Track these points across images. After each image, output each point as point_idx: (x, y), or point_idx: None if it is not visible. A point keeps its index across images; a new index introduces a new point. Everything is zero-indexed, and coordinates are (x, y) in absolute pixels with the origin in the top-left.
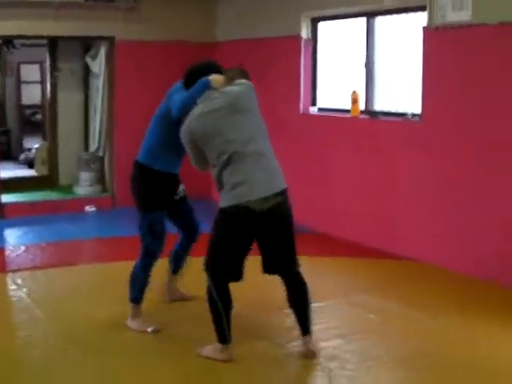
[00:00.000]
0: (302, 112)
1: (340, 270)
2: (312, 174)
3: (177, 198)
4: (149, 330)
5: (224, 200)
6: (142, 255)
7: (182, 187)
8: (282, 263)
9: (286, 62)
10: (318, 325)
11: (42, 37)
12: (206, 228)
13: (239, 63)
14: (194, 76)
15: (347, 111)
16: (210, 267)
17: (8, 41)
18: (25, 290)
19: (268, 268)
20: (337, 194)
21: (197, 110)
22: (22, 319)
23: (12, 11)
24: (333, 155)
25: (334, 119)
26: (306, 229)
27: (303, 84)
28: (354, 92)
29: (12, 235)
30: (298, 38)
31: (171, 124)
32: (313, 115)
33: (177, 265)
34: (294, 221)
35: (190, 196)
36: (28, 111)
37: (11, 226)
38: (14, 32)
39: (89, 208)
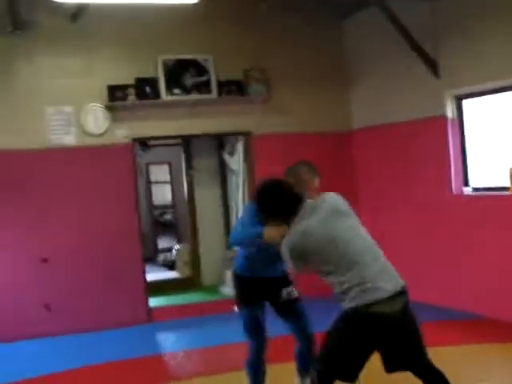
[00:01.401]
0: (454, 193)
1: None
2: (469, 256)
3: (281, 301)
4: None
5: (348, 301)
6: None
7: (287, 290)
8: (410, 360)
9: (431, 143)
10: None
11: (177, 137)
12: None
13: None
14: (265, 202)
15: (504, 189)
16: (322, 365)
17: (143, 143)
18: None
19: (392, 367)
20: (497, 276)
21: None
22: None
23: (147, 113)
24: (491, 235)
25: (490, 198)
26: (463, 314)
27: (453, 164)
28: None
29: (166, 340)
30: (442, 117)
31: None
32: (467, 195)
33: (301, 364)
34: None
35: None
36: (156, 212)
37: (161, 330)
38: (150, 133)
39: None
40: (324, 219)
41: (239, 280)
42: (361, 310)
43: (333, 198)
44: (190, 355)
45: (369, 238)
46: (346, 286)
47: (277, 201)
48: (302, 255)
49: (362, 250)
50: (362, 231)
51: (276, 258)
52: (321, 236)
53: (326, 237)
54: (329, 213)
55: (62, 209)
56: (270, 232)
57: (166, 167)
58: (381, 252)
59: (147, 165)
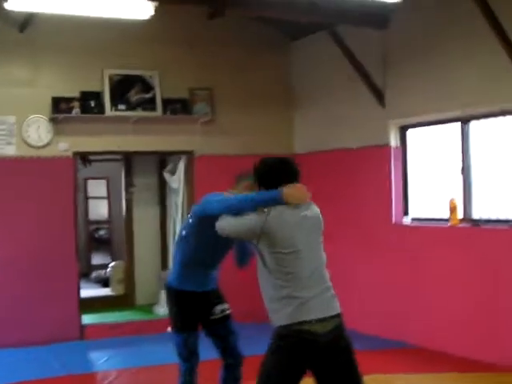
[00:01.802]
0: (394, 222)
1: None
2: (406, 286)
3: (213, 318)
4: None
5: (278, 318)
6: None
7: (220, 307)
8: None
9: (373, 171)
10: None
11: (119, 153)
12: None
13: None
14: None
15: (444, 220)
16: None
17: (84, 157)
18: None
19: None
20: (435, 305)
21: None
22: None
23: (90, 127)
24: (430, 265)
25: (429, 229)
26: (401, 343)
27: (394, 193)
28: (452, 200)
29: (98, 359)
30: (386, 146)
31: (199, 239)
32: (406, 225)
33: None
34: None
35: (238, 318)
36: (91, 227)
37: (94, 348)
38: (92, 148)
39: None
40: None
41: (174, 295)
42: (293, 327)
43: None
44: (121, 375)
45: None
46: (284, 293)
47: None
48: (271, 235)
49: (313, 270)
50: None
51: (216, 261)
52: (294, 234)
53: (295, 239)
54: (315, 221)
55: None
56: (294, 192)
57: (103, 182)
58: (328, 276)
59: (85, 179)
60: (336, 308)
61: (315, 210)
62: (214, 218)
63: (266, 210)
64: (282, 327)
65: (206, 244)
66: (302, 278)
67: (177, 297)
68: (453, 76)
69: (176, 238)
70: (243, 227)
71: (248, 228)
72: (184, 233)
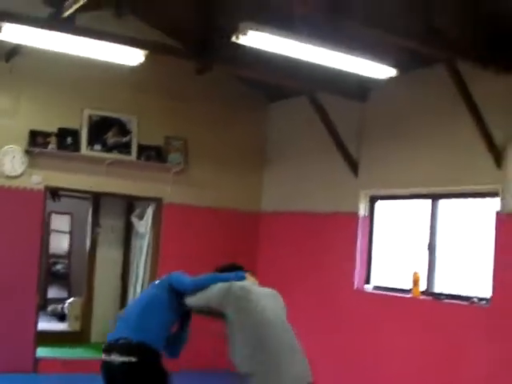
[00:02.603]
0: (356, 288)
1: None
2: (366, 354)
3: None
4: None
5: None
6: None
7: None
8: None
9: (340, 237)
10: None
11: (90, 192)
12: None
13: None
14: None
15: (405, 291)
16: None
17: (54, 192)
18: None
19: None
20: (393, 376)
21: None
22: None
23: (64, 163)
24: (389, 333)
25: (390, 298)
26: None
27: (359, 261)
28: (416, 273)
29: None
30: (354, 214)
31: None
32: (367, 292)
33: None
34: None
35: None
36: (50, 260)
37: (45, 382)
38: (64, 184)
39: None
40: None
41: (157, 357)
42: None
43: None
44: None
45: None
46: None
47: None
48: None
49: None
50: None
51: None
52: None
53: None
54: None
55: None
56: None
57: (67, 217)
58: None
59: (50, 213)
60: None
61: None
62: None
63: None
64: None
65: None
66: None
67: (159, 360)
68: (426, 153)
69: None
70: None
71: None
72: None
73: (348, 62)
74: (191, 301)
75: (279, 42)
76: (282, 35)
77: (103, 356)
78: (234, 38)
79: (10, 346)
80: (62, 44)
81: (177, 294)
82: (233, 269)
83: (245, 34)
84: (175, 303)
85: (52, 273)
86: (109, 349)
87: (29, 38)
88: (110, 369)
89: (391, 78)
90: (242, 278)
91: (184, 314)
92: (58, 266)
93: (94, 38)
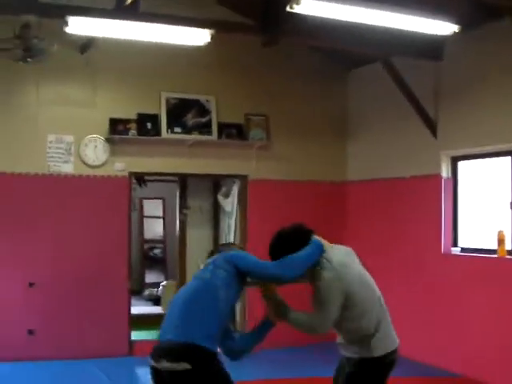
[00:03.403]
0: (443, 252)
1: None
2: (453, 316)
3: None
4: None
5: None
6: None
7: None
8: None
9: (424, 201)
10: None
11: (174, 174)
12: None
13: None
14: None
15: (492, 251)
16: None
17: (140, 178)
18: None
19: None
20: (481, 337)
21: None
22: None
23: (146, 148)
24: (477, 296)
25: (477, 260)
26: (450, 373)
27: (444, 224)
28: (501, 232)
29: (144, 375)
30: (437, 177)
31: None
32: (455, 255)
33: None
34: None
35: None
36: (146, 246)
37: (141, 364)
38: (147, 169)
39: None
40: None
41: (218, 363)
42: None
43: None
44: None
45: None
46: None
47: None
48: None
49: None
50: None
51: None
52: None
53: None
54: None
55: (53, 235)
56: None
57: (159, 202)
58: None
59: (141, 199)
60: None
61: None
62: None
63: None
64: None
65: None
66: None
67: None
68: (506, 108)
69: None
70: None
71: None
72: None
73: (409, 20)
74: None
75: (333, 7)
76: (335, 0)
77: (152, 362)
78: (288, 8)
79: (106, 331)
80: (130, 32)
81: (238, 281)
82: (301, 233)
83: (298, 3)
84: (233, 290)
85: (150, 258)
86: (157, 354)
87: (96, 28)
88: (161, 376)
89: (463, 34)
90: (322, 248)
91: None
92: (156, 251)
93: (159, 23)
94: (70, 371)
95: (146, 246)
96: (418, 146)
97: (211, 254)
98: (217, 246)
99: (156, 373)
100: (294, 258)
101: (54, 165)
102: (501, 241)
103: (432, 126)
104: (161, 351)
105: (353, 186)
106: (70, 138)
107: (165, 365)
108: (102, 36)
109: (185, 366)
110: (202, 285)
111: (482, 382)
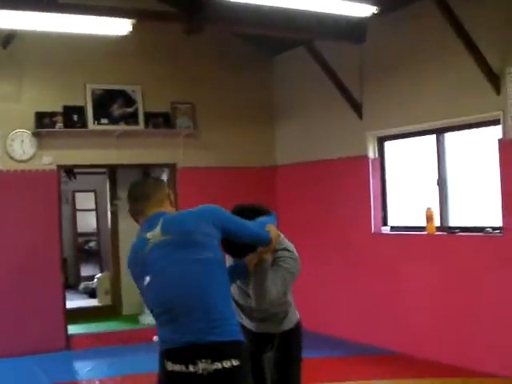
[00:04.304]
0: (373, 232)
1: None
2: (385, 294)
3: None
4: None
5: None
6: None
7: None
8: None
9: (353, 182)
10: None
11: (102, 166)
12: None
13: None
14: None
15: (421, 228)
16: None
17: (69, 170)
18: None
19: None
20: (413, 313)
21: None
22: None
23: (73, 141)
24: (408, 273)
25: (408, 237)
26: (382, 350)
27: (373, 204)
28: (429, 209)
29: (82, 368)
30: (364, 157)
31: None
32: (385, 234)
33: None
34: None
35: None
36: (81, 239)
37: (79, 358)
38: (76, 161)
39: (157, 337)
40: None
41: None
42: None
43: None
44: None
45: None
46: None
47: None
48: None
49: None
50: None
51: None
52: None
53: None
54: None
55: None
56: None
57: (91, 195)
58: None
59: (73, 192)
60: None
61: None
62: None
63: None
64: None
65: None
66: None
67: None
68: (427, 88)
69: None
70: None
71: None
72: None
73: (329, 3)
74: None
75: None
76: None
77: (171, 366)
78: None
79: (42, 327)
80: (50, 24)
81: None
82: (259, 212)
83: None
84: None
85: (85, 251)
86: (194, 355)
87: (16, 21)
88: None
89: (384, 16)
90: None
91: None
92: (91, 244)
93: (79, 13)
94: (6, 369)
95: (80, 240)
96: (344, 127)
97: None
98: None
99: (178, 378)
100: (264, 220)
101: None
102: (429, 218)
103: (357, 108)
104: (200, 352)
105: (282, 170)
106: None
107: (207, 366)
108: (23, 29)
109: (233, 362)
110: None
111: (418, 358)
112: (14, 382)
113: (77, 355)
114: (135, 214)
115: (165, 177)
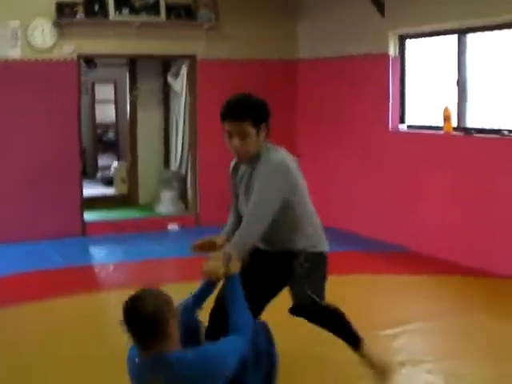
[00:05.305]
0: (390, 129)
1: (437, 289)
2: (401, 192)
3: None
4: None
5: (322, 244)
6: None
7: None
8: None
9: (372, 79)
10: None
11: (123, 56)
12: None
13: None
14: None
15: (438, 128)
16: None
17: (89, 60)
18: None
19: None
20: (428, 211)
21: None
22: None
23: (94, 31)
24: (424, 171)
25: (424, 136)
26: (396, 247)
27: (392, 102)
28: (447, 109)
29: (97, 254)
30: (385, 55)
31: None
32: (402, 132)
33: None
34: None
35: None
36: (99, 130)
37: (94, 243)
38: (96, 51)
39: (172, 226)
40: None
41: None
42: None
43: None
44: (119, 267)
45: None
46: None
47: None
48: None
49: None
50: None
51: None
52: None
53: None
54: None
55: (1, 122)
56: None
57: (111, 86)
58: None
59: (93, 83)
60: None
61: None
62: None
63: None
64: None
65: None
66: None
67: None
68: None
69: None
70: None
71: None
72: None
73: None
74: None
75: None
76: None
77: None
78: None
79: (58, 213)
80: None
81: None
82: (266, 107)
83: None
84: None
85: (103, 142)
86: None
87: None
88: None
89: None
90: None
91: None
92: (110, 135)
93: None
94: (24, 252)
95: (98, 131)
96: (366, 25)
97: None
98: None
99: None
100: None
101: (0, 50)
102: (447, 117)
103: (379, 5)
104: None
105: (303, 64)
106: (15, 23)
107: None
108: None
109: None
110: None
111: (428, 256)
112: (30, 264)
113: (92, 241)
114: None
115: (185, 68)
